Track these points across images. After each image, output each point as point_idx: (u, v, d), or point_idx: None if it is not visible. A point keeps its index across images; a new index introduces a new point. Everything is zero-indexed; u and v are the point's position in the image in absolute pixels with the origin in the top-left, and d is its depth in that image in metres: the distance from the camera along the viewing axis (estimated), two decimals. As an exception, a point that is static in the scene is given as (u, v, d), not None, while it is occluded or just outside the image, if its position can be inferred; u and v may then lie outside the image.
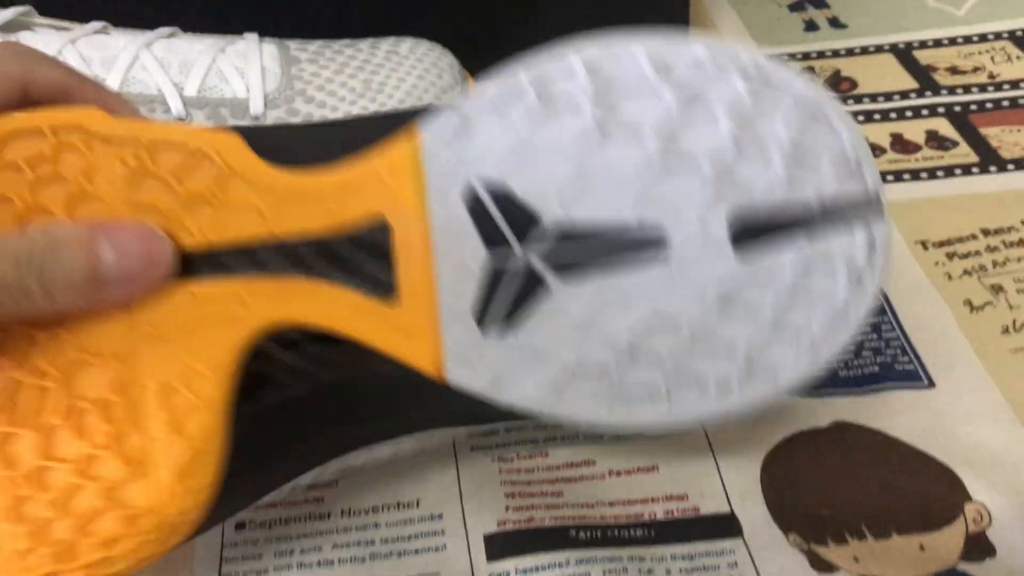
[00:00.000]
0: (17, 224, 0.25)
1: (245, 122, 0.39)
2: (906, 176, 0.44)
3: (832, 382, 0.36)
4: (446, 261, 0.25)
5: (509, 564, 0.31)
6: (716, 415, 0.26)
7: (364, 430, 0.30)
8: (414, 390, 0.28)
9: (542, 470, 0.34)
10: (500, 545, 0.32)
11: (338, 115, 0.40)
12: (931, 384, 0.35)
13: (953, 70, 0.50)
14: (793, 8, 0.56)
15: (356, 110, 0.40)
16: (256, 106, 0.39)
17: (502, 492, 0.33)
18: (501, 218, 0.25)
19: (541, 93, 0.25)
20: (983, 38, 0.52)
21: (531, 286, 0.25)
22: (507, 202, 0.25)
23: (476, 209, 0.25)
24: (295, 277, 0.25)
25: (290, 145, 0.28)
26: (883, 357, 0.36)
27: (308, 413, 0.28)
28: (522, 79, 0.25)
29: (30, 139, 0.25)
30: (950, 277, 0.39)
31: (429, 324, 0.25)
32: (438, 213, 0.25)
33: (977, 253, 0.40)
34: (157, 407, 0.25)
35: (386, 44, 0.44)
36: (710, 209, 0.24)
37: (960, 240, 0.41)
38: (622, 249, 0.25)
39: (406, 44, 0.44)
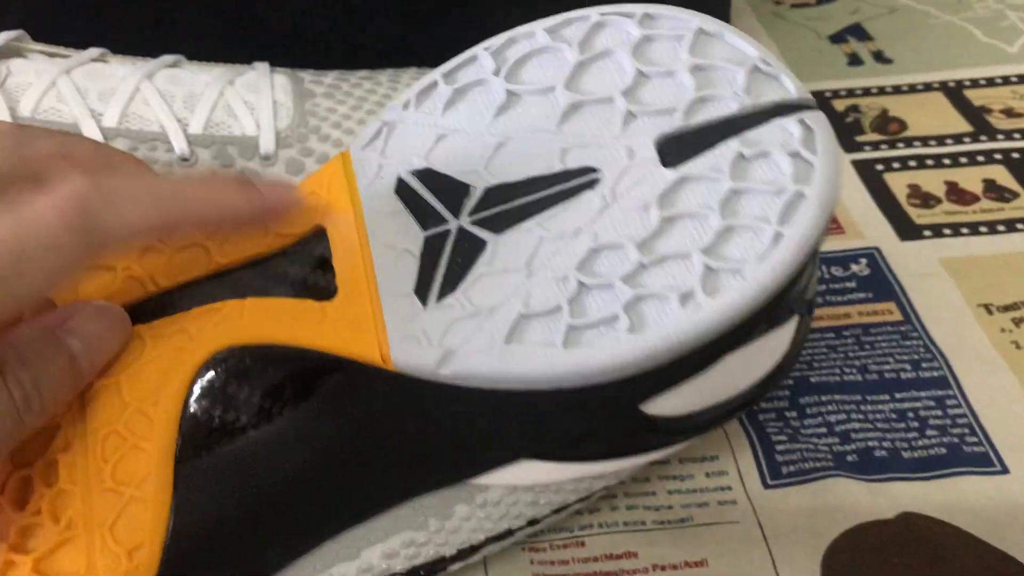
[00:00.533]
0: None
1: (255, 163, 0.36)
2: (964, 230, 0.41)
3: (895, 465, 0.32)
4: (383, 250, 0.25)
5: (544, 674, 0.28)
6: (689, 329, 0.23)
7: (347, 496, 0.26)
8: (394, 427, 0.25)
9: (578, 562, 0.31)
10: (533, 650, 0.28)
11: (355, 155, 0.37)
12: (1004, 469, 0.32)
13: (1009, 112, 0.47)
14: (834, 39, 0.53)
15: (375, 150, 0.37)
16: (267, 145, 0.36)
17: (516, 536, 0.30)
18: (432, 197, 0.26)
19: (451, 83, 0.27)
20: (1037, 77, 0.49)
21: (468, 248, 0.25)
22: (436, 184, 0.26)
23: (408, 197, 0.26)
24: (236, 300, 0.25)
25: None
26: (950, 437, 0.33)
27: (269, 461, 0.25)
28: (433, 76, 0.27)
29: None
30: (1019, 346, 0.36)
31: (370, 309, 0.24)
32: (372, 208, 0.25)
33: (1047, 319, 0.37)
34: (97, 457, 0.24)
35: (407, 76, 0.41)
36: (633, 138, 0.25)
37: (1027, 304, 0.37)
38: (554, 191, 0.25)
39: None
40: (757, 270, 0.23)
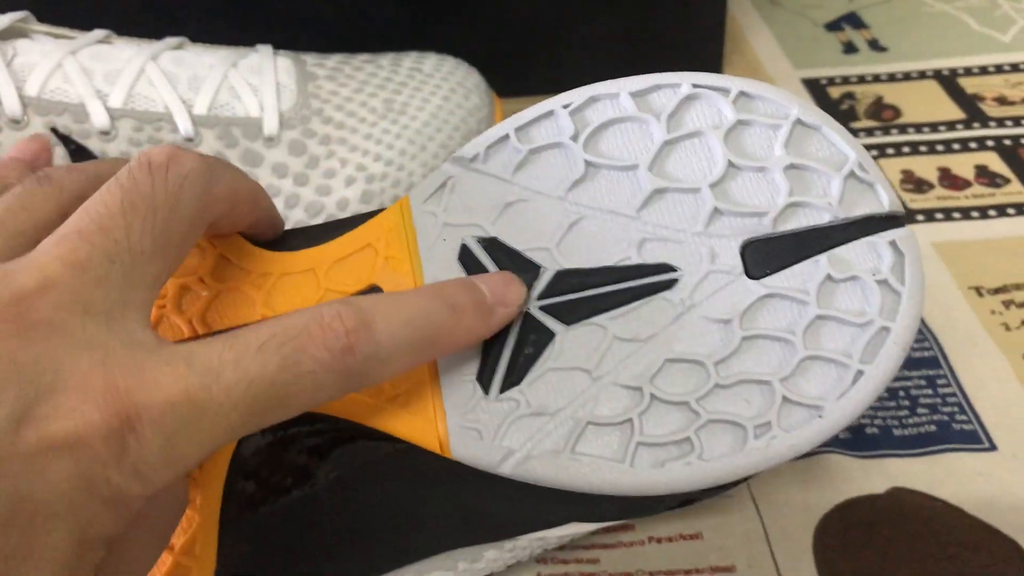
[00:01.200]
0: None
1: (258, 144, 0.36)
2: (956, 215, 0.41)
3: (886, 442, 0.33)
4: None
5: (542, 642, 0.28)
6: (760, 462, 0.22)
7: (386, 551, 0.26)
8: (424, 490, 0.25)
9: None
10: (532, 619, 0.29)
11: (358, 137, 0.37)
12: (993, 447, 0.33)
13: (1001, 100, 0.47)
14: (830, 27, 0.54)
15: (377, 132, 0.38)
16: (270, 126, 0.36)
17: (533, 558, 0.31)
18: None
19: (525, 142, 0.25)
20: (1031, 66, 0.50)
21: (535, 338, 0.23)
22: (502, 256, 0.24)
23: (472, 268, 0.24)
24: None
25: (285, 235, 0.26)
26: (940, 415, 0.34)
27: (311, 522, 0.25)
28: (505, 131, 0.25)
29: None
30: (1008, 327, 0.37)
31: (430, 393, 0.23)
32: (433, 276, 0.23)
33: (1036, 301, 0.37)
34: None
35: (408, 61, 0.41)
36: (717, 239, 0.23)
37: (1017, 287, 0.38)
38: (629, 287, 0.23)
39: (430, 61, 0.41)
40: (835, 409, 0.22)
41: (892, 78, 0.50)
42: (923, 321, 0.37)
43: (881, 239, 0.23)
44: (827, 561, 0.30)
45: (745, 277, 0.23)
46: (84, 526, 0.17)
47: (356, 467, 0.24)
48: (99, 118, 0.35)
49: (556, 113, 0.25)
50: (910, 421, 0.34)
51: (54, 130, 0.34)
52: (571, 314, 0.23)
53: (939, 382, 0.35)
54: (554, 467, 0.22)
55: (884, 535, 0.31)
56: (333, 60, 0.40)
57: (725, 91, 0.24)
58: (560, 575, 0.30)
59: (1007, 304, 0.38)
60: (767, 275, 0.23)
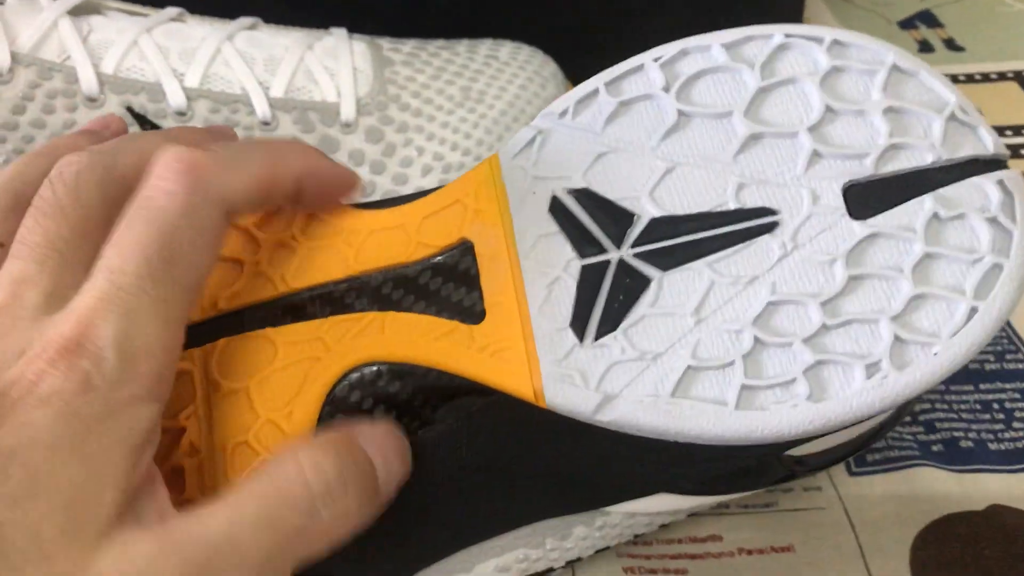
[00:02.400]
0: None
1: (335, 129, 0.35)
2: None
3: (983, 457, 0.32)
4: (535, 275, 0.23)
5: (632, 653, 0.27)
6: (872, 402, 0.21)
7: (475, 517, 0.26)
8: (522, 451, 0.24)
9: (661, 543, 0.30)
10: (622, 631, 0.28)
11: (435, 125, 0.36)
12: (1094, 464, 0.32)
13: (1084, 105, 0.46)
14: (904, 25, 0.52)
15: (454, 120, 0.37)
16: (348, 112, 0.35)
17: (619, 566, 0.30)
18: (592, 222, 0.23)
19: (615, 94, 0.24)
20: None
21: (632, 285, 0.23)
22: (596, 207, 0.24)
23: (564, 219, 0.24)
24: (377, 313, 0.23)
25: (371, 203, 0.26)
26: (1037, 430, 0.33)
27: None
28: (594, 84, 0.25)
29: None
30: (1103, 341, 0.35)
31: (523, 340, 0.22)
32: (523, 227, 0.23)
33: None
34: (225, 467, 0.22)
35: (484, 48, 0.40)
36: (818, 181, 0.23)
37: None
38: (727, 231, 0.23)
39: (506, 49, 0.40)
40: (949, 347, 0.21)
41: (970, 79, 0.48)
42: (1016, 332, 0.36)
43: (988, 179, 0.22)
44: (922, 574, 0.29)
45: (849, 218, 0.23)
46: None
47: (446, 425, 0.23)
48: (176, 98, 0.34)
49: (647, 66, 0.24)
50: (1006, 435, 0.33)
51: (129, 109, 0.33)
52: (668, 260, 0.23)
53: (1035, 395, 0.34)
54: (654, 412, 0.21)
55: (985, 554, 0.29)
56: (409, 45, 0.39)
57: (818, 40, 0.24)
58: (648, 585, 0.29)
59: (1101, 317, 0.36)
60: (871, 216, 0.23)
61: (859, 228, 0.22)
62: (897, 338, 0.21)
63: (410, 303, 0.23)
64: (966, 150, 0.23)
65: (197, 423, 0.23)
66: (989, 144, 0.23)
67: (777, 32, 0.24)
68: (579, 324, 0.22)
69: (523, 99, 0.38)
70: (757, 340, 0.22)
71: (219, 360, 0.23)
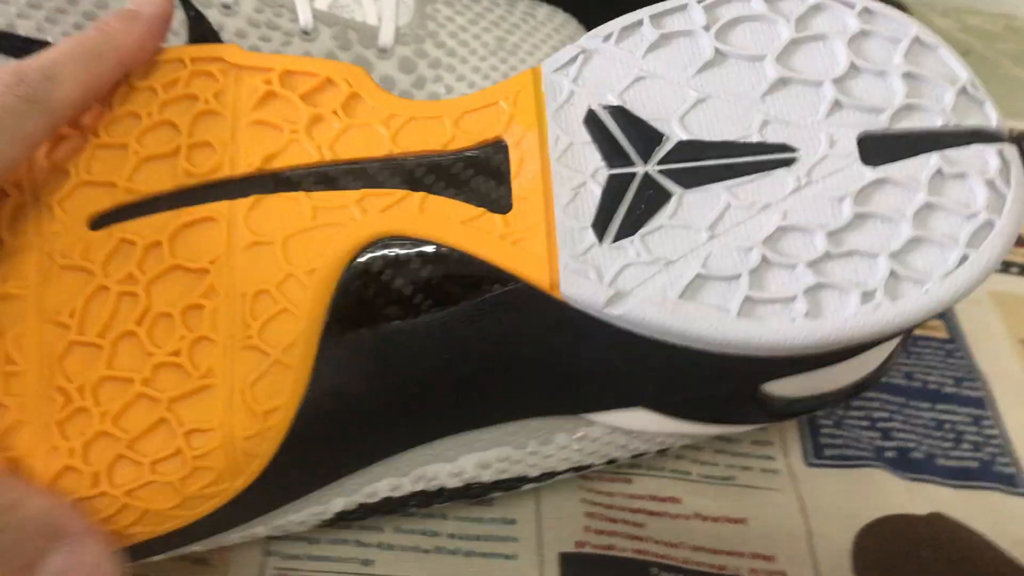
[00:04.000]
0: (139, 138, 0.25)
1: (371, 52, 0.36)
2: (1014, 269, 0.42)
3: (930, 469, 0.34)
4: (564, 178, 0.24)
5: (585, 591, 0.28)
6: (864, 326, 0.23)
7: (473, 401, 0.27)
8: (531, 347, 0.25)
9: (623, 496, 0.32)
10: (577, 568, 0.29)
11: (467, 68, 0.37)
12: (1030, 493, 0.34)
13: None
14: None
15: (485, 67, 0.37)
16: (386, 37, 0.36)
17: (581, 511, 0.31)
18: (623, 137, 0.25)
19: (658, 27, 0.26)
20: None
21: (654, 196, 0.24)
22: (628, 124, 0.25)
23: (597, 131, 0.25)
24: (407, 192, 0.24)
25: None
26: (982, 454, 0.35)
27: (407, 352, 0.25)
28: (639, 17, 0.26)
29: (169, 67, 0.26)
30: (1051, 385, 0.38)
31: (544, 235, 0.24)
32: (557, 135, 0.25)
33: (1081, 365, 0.38)
34: (244, 313, 0.23)
35: (522, 5, 0.41)
36: (836, 128, 0.24)
37: (1065, 349, 0.39)
38: (748, 161, 0.24)
39: (543, 10, 0.41)
40: (940, 286, 0.23)
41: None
42: (974, 362, 0.38)
43: (989, 148, 0.24)
44: (864, 569, 0.31)
45: (860, 163, 0.24)
46: None
47: (460, 307, 0.24)
48: (224, -10, 0.34)
49: (690, 6, 0.26)
50: (953, 453, 0.35)
51: (179, -7, 0.34)
52: (690, 179, 0.24)
53: (984, 423, 0.36)
54: (661, 311, 0.23)
55: (922, 555, 0.31)
56: (452, -13, 0.40)
57: (851, 5, 0.26)
58: (607, 531, 0.30)
59: (1053, 363, 0.39)
60: (882, 164, 0.24)
61: (869, 173, 0.24)
62: (893, 273, 0.23)
63: (441, 188, 0.24)
64: (972, 120, 0.25)
65: (220, 268, 0.24)
66: (993, 119, 0.25)
67: None
68: (600, 225, 0.24)
69: (553, 60, 0.39)
70: (764, 258, 0.23)
71: (249, 214, 0.24)
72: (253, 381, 0.23)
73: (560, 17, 0.41)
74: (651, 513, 0.31)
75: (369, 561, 0.29)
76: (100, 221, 0.25)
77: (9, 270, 0.24)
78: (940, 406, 0.36)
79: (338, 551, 0.29)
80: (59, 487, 0.23)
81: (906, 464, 0.34)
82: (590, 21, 0.43)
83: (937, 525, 0.32)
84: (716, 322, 0.23)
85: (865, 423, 0.35)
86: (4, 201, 0.25)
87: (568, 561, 0.29)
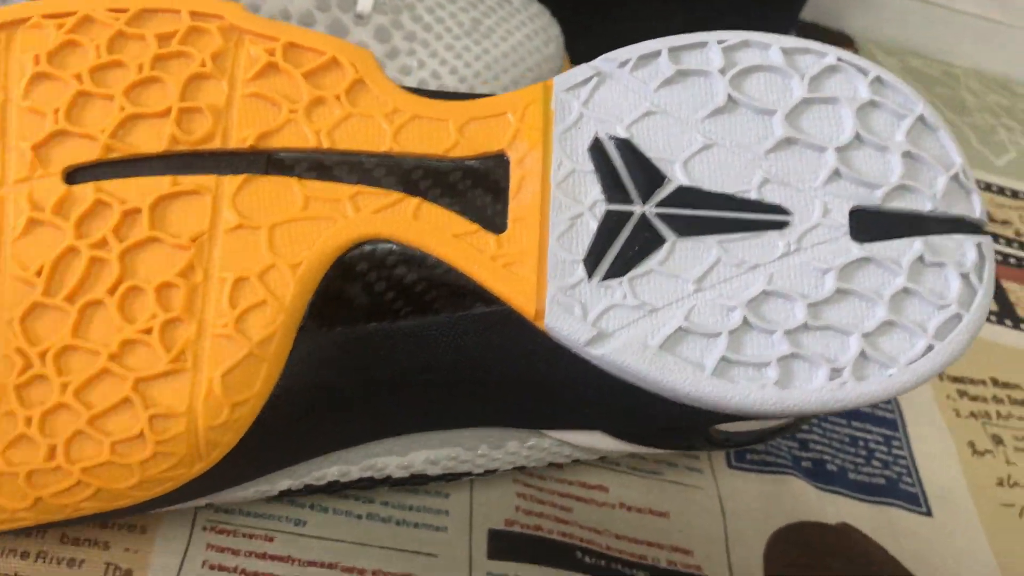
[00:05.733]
0: (126, 92, 0.23)
1: (348, 16, 0.36)
2: (933, 302, 0.45)
3: (841, 481, 0.36)
4: (562, 207, 0.24)
5: (511, 568, 0.29)
6: (828, 401, 0.24)
7: (438, 407, 0.27)
8: (498, 362, 0.25)
9: (555, 480, 0.33)
10: (505, 545, 0.30)
11: (440, 44, 0.37)
12: (929, 513, 0.36)
13: (988, 217, 0.51)
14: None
15: (459, 46, 0.38)
16: (364, 4, 0.36)
17: (514, 491, 0.32)
18: (626, 173, 0.25)
19: (675, 62, 0.26)
20: (1015, 195, 0.54)
21: (648, 240, 0.24)
22: (633, 160, 0.25)
23: (600, 162, 0.25)
24: (403, 195, 0.24)
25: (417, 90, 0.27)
26: (890, 472, 0.37)
27: (380, 355, 0.25)
28: (658, 48, 0.26)
29: (164, 17, 0.24)
30: (958, 414, 0.40)
31: (535, 262, 0.24)
32: (561, 159, 0.24)
33: (984, 400, 0.41)
34: (222, 298, 0.22)
35: (501, -11, 0.41)
36: (832, 197, 0.25)
37: (972, 382, 0.41)
38: (743, 218, 0.25)
39: (518, -2, 0.41)
40: (903, 373, 0.24)
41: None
42: (891, 386, 0.40)
43: (970, 240, 0.25)
44: (773, 567, 0.32)
45: (849, 237, 0.25)
46: None
47: (440, 318, 0.24)
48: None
49: (710, 45, 0.26)
50: (864, 469, 0.37)
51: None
52: (685, 226, 0.24)
53: (894, 443, 0.38)
54: (640, 358, 0.23)
55: (827, 562, 0.33)
56: (433, -37, 0.40)
57: (865, 72, 0.26)
58: (536, 512, 0.31)
59: (961, 394, 0.41)
60: (870, 241, 0.25)
61: (856, 249, 0.24)
62: (863, 353, 0.24)
63: (437, 196, 0.24)
64: (959, 209, 0.25)
65: (201, 248, 0.23)
66: (978, 210, 0.26)
67: (831, 52, 0.26)
68: (592, 261, 0.24)
69: (525, 48, 0.40)
70: (745, 320, 0.24)
71: (238, 194, 0.23)
72: (225, 371, 0.22)
73: (535, 7, 0.42)
74: (579, 499, 0.32)
75: (301, 522, 0.29)
76: (76, 176, 0.23)
77: None
78: (856, 423, 0.38)
79: (271, 509, 0.29)
80: (11, 456, 0.22)
81: (820, 475, 0.36)
82: (564, 14, 0.43)
83: (846, 534, 0.34)
84: (691, 377, 0.23)
85: (787, 435, 0.37)
86: None
87: (496, 537, 0.30)
